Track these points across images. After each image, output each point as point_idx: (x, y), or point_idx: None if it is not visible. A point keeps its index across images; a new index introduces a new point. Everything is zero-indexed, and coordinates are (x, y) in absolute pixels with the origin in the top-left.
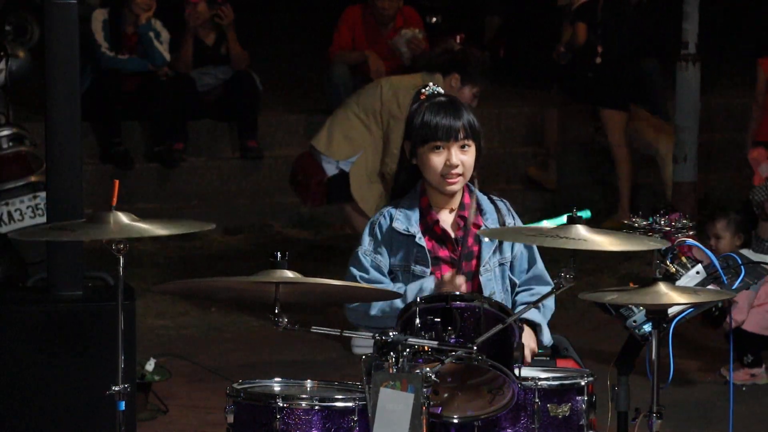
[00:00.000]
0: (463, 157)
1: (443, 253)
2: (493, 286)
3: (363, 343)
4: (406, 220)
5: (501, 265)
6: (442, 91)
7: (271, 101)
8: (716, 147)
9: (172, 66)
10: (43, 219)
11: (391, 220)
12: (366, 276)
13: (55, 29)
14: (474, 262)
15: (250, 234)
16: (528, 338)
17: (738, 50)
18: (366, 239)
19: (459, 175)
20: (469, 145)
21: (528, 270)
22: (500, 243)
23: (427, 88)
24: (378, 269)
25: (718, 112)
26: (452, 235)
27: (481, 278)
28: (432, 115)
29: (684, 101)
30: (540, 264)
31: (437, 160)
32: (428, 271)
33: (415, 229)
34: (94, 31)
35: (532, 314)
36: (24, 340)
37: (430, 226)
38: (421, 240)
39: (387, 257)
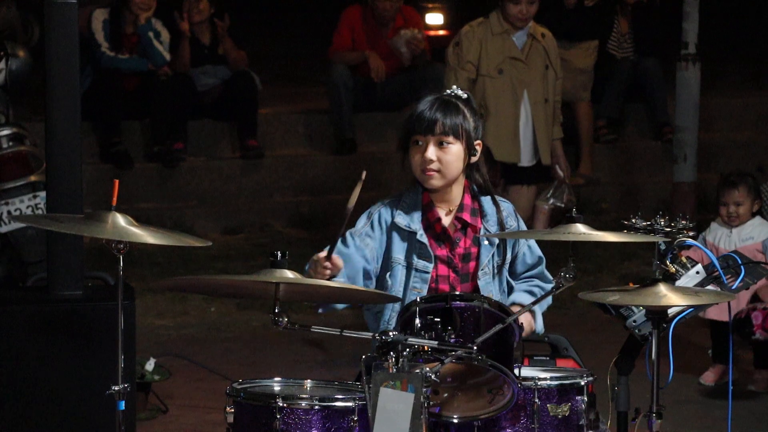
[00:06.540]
0: (440, 154)
1: (441, 251)
2: (491, 288)
3: None
4: (407, 216)
5: (500, 267)
6: (463, 95)
7: (271, 101)
8: (716, 147)
9: (172, 66)
10: None
11: (392, 215)
12: (344, 250)
13: (55, 29)
14: (472, 264)
15: (250, 234)
16: (525, 317)
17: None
18: (361, 222)
19: (435, 170)
20: (449, 143)
21: (533, 267)
22: (501, 245)
23: (450, 90)
24: (360, 251)
25: (718, 112)
26: (452, 234)
27: (479, 281)
28: (420, 109)
29: (684, 101)
30: (543, 263)
31: (417, 154)
32: (430, 266)
33: (417, 225)
34: (94, 31)
35: (524, 299)
36: (24, 340)
37: (432, 224)
38: (423, 237)
39: (378, 246)
